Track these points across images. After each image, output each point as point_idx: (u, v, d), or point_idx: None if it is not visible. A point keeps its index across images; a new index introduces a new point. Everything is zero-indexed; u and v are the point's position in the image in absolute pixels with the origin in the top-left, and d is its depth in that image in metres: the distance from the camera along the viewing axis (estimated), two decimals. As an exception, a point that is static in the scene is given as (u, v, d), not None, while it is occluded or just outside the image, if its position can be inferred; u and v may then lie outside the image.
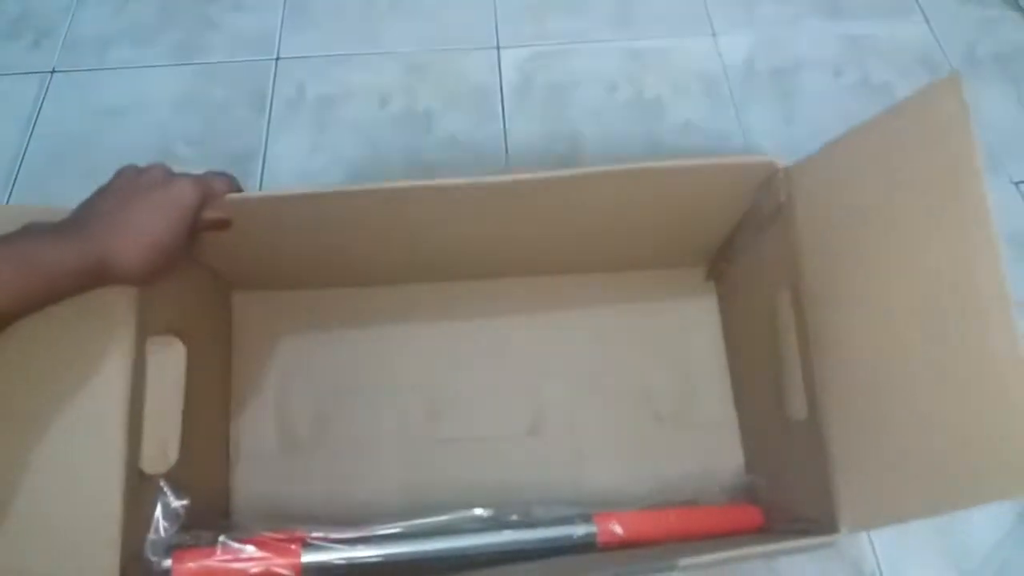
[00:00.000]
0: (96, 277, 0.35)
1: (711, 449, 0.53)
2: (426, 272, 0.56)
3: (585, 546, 0.42)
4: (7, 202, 0.67)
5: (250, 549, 0.39)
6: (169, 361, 0.42)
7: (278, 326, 0.55)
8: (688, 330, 0.57)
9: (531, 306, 0.57)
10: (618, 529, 0.43)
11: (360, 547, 0.40)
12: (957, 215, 0.31)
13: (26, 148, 0.70)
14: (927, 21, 0.79)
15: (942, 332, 0.32)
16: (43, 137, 0.71)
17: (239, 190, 0.41)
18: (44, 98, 0.74)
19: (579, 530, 0.43)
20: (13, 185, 0.68)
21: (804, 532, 0.38)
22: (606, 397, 0.54)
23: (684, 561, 0.36)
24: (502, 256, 0.54)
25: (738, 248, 0.51)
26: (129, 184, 0.38)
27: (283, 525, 0.42)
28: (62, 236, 0.34)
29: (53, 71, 0.76)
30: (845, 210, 0.38)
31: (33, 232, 0.35)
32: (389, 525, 0.41)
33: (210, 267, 0.51)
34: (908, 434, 0.34)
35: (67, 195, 0.68)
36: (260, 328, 0.55)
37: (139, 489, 0.38)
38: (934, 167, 0.33)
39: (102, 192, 0.39)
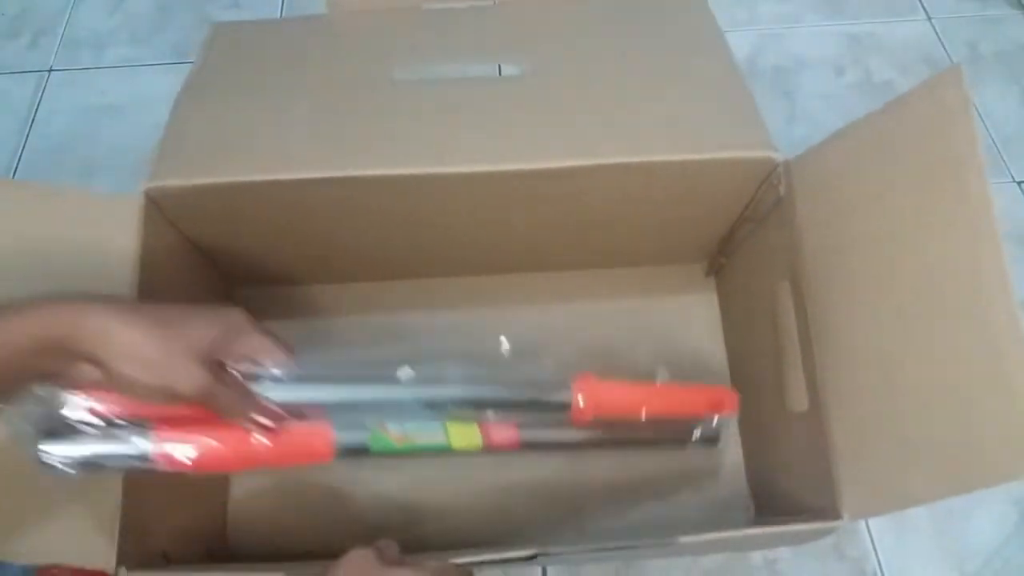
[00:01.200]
0: None
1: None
2: (427, 268, 0.56)
3: (560, 407, 0.42)
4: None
5: None
6: None
7: (283, 321, 0.55)
8: (688, 327, 0.57)
9: (530, 302, 0.57)
10: (593, 394, 0.41)
11: (327, 388, 0.39)
12: (958, 206, 0.31)
13: (23, 146, 0.70)
14: (929, 19, 0.79)
15: (944, 321, 0.32)
16: (40, 135, 0.71)
17: None
18: (41, 97, 0.73)
19: (556, 393, 0.41)
20: (10, 184, 0.68)
21: (807, 519, 0.38)
22: None
23: (685, 539, 0.36)
24: (502, 252, 0.54)
25: (738, 242, 0.51)
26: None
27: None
28: None
29: (51, 70, 0.75)
30: (846, 202, 0.38)
31: None
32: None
33: (215, 262, 0.51)
34: (910, 421, 0.34)
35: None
36: (265, 323, 0.55)
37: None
38: (935, 159, 0.33)
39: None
